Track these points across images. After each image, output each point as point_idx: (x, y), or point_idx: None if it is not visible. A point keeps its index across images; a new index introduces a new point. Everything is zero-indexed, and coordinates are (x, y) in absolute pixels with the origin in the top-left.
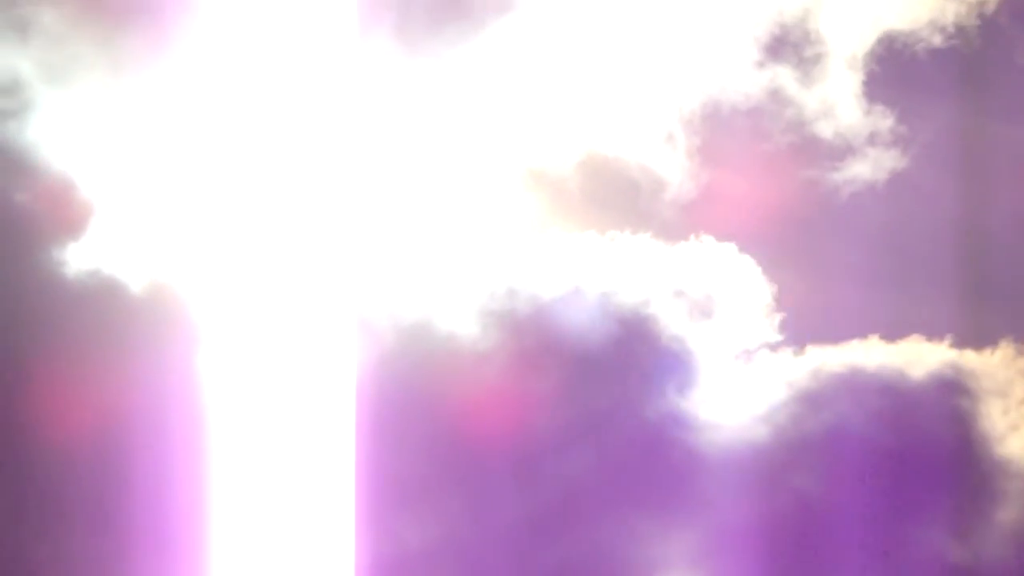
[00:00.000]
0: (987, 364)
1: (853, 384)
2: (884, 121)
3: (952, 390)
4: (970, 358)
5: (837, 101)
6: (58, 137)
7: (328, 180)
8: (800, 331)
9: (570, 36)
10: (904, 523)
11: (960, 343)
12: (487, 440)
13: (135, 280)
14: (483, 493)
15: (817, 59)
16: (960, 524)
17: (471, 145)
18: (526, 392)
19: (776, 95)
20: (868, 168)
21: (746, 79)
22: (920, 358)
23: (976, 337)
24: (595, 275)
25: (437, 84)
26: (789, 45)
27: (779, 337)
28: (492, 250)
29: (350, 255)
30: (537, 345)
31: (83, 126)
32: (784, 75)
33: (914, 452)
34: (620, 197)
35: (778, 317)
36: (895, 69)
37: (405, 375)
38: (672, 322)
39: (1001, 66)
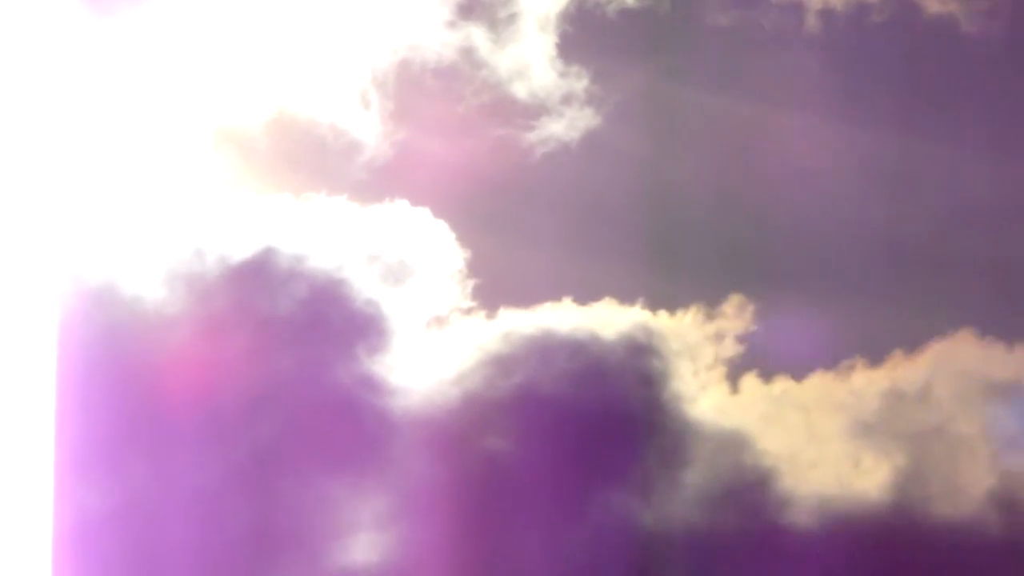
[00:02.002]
0: (678, 327)
1: (545, 347)
2: (578, 82)
3: (643, 352)
4: (661, 321)
5: (531, 62)
6: None
7: (12, 142)
8: (492, 295)
9: None
10: (594, 484)
11: (651, 306)
12: (176, 404)
13: None
14: (172, 456)
15: (510, 19)
16: (649, 485)
17: (157, 104)
18: (215, 355)
19: (469, 55)
20: (562, 128)
21: (439, 39)
22: (612, 321)
23: (667, 300)
24: (287, 237)
25: (123, 42)
26: (481, 5)
27: (471, 302)
28: (179, 211)
29: (36, 216)
30: (226, 308)
31: None
32: (477, 35)
33: (606, 413)
34: (313, 158)
35: (471, 282)
36: (588, 30)
37: (91, 338)
38: (365, 286)
39: (693, 27)
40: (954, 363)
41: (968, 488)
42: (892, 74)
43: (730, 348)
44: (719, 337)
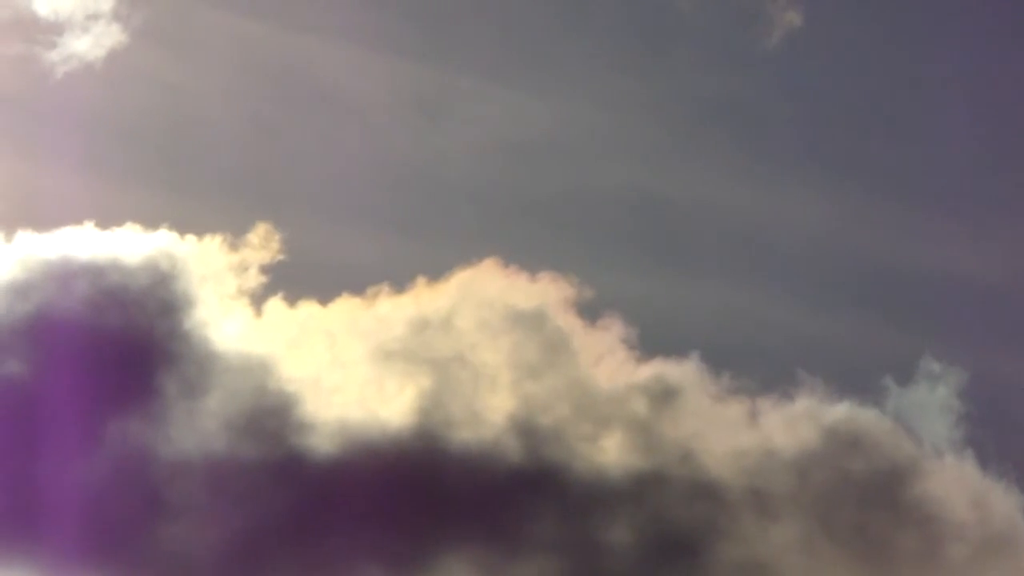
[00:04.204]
0: (203, 254)
1: (64, 272)
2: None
3: (166, 279)
4: (186, 247)
5: None
6: None
7: None
8: (10, 218)
9: None
10: (112, 413)
11: (176, 232)
12: None
13: None
14: None
15: None
16: (168, 414)
17: None
18: None
19: None
20: (87, 46)
21: None
22: (136, 246)
23: (193, 226)
24: None
25: None
26: None
27: None
28: None
29: None
30: None
31: None
32: None
33: (126, 341)
34: None
35: None
36: None
37: None
38: None
39: None
40: (478, 291)
41: (489, 414)
42: (423, 2)
43: (256, 273)
44: (245, 263)
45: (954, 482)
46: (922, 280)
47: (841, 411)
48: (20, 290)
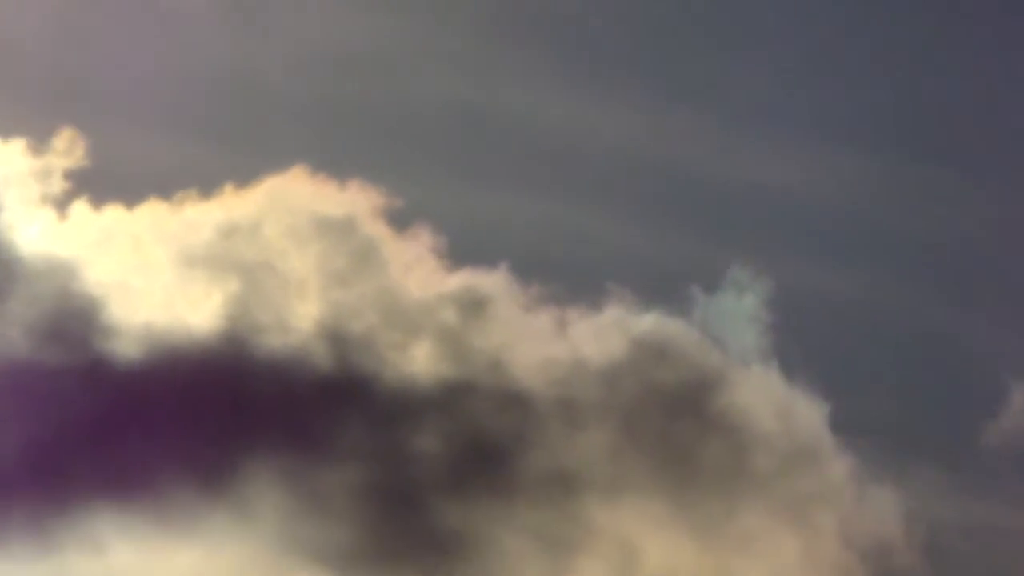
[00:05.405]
0: (4, 158)
1: None
2: None
3: None
4: None
5: None
6: None
7: None
8: None
9: None
10: None
11: None
12: None
13: None
14: None
15: None
16: None
17: None
18: None
19: None
20: None
21: None
22: None
23: None
24: None
25: None
26: None
27: None
28: None
29: None
30: None
31: None
32: None
33: None
34: None
35: None
36: None
37: None
38: None
39: None
40: (286, 198)
41: (296, 321)
42: None
43: (60, 179)
44: (49, 168)
45: (759, 392)
46: (729, 190)
47: (649, 321)
48: None
